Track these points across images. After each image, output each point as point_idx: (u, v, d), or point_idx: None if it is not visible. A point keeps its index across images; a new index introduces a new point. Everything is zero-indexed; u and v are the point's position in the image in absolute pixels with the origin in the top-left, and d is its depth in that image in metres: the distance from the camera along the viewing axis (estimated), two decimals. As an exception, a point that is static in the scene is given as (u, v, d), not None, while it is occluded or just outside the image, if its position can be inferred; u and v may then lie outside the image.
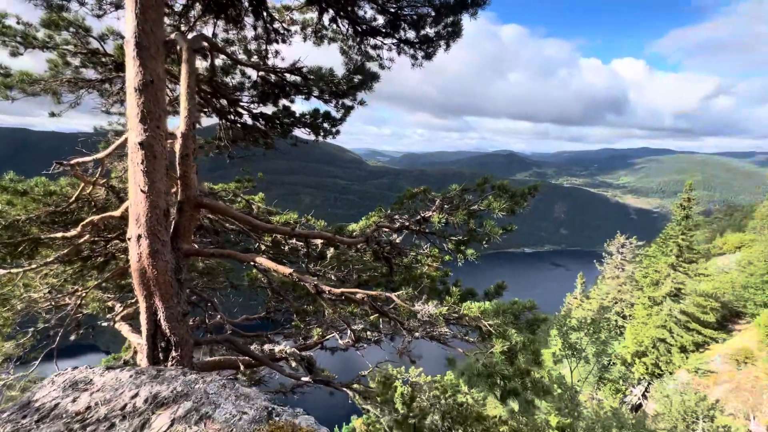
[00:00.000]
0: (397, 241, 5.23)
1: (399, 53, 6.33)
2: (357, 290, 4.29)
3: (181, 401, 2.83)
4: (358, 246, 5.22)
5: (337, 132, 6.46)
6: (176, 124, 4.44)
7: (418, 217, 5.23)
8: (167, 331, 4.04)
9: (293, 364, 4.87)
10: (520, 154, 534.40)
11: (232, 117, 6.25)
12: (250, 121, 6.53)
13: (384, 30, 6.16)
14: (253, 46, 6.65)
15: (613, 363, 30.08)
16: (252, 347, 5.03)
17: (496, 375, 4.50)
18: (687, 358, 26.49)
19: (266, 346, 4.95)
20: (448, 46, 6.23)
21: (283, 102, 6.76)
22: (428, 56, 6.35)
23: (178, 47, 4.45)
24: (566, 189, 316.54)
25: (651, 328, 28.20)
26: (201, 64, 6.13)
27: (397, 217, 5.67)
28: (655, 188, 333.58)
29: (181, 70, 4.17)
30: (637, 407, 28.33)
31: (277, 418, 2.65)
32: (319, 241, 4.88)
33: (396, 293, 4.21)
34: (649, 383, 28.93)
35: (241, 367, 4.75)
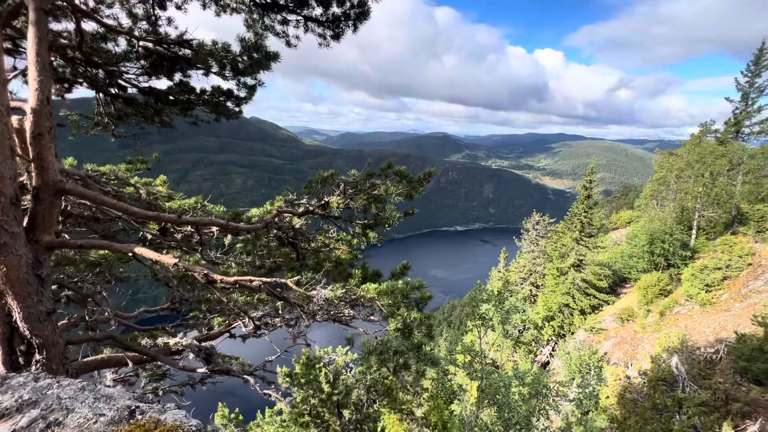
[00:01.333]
0: (298, 226, 5.17)
1: (306, 31, 6.11)
2: (252, 277, 4.20)
3: (26, 410, 2.54)
4: (259, 233, 5.07)
5: (240, 112, 6.10)
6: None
7: (323, 201, 5.22)
8: (27, 332, 3.60)
9: (191, 356, 4.67)
10: (454, 137, 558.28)
11: (114, 90, 5.56)
12: (139, 96, 5.87)
13: (290, 5, 5.88)
14: (140, 10, 5.93)
15: (527, 328, 33.81)
16: (144, 342, 4.71)
17: (388, 350, 4.80)
18: (585, 319, 30.63)
19: (160, 340, 4.67)
20: (356, 27, 6.14)
21: (179, 77, 6.19)
22: (336, 36, 6.21)
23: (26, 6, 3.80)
24: (494, 170, 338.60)
25: (558, 295, 31.98)
26: (71, 27, 5.31)
27: (304, 201, 5.59)
28: (569, 171, 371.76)
29: (28, 35, 3.57)
30: (545, 364, 32.31)
31: (140, 417, 2.53)
32: (215, 229, 4.65)
33: (292, 279, 4.20)
34: (556, 343, 33.04)
35: (130, 364, 4.44)
